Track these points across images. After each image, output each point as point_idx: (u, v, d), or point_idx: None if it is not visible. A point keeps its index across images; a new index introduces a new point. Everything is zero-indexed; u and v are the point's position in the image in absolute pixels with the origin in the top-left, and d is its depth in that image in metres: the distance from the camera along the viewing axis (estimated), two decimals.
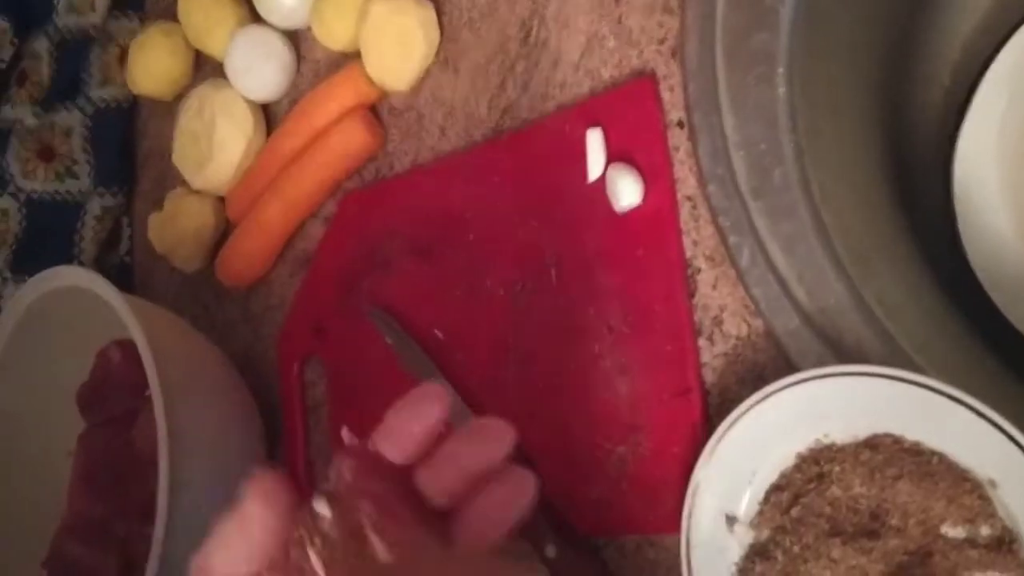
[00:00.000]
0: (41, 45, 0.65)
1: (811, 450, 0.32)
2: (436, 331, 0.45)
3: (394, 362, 0.46)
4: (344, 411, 0.49)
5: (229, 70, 0.53)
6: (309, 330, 0.51)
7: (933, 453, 0.29)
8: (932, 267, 0.40)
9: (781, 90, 0.37)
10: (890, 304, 0.36)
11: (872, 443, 0.30)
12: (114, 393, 0.55)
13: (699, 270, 0.37)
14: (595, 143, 0.39)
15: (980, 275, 0.42)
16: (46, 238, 0.64)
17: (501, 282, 0.43)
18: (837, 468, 0.31)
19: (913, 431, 0.30)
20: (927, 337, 0.35)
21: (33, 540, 0.53)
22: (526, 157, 0.42)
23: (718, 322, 0.36)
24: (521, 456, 0.40)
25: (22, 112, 0.65)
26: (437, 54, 0.47)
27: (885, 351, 0.34)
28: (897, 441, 0.30)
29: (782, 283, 0.36)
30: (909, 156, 0.43)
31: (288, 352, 0.52)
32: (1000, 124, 0.42)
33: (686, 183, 0.38)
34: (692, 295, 0.37)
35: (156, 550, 0.43)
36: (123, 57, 0.62)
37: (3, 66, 0.66)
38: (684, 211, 0.38)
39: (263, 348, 0.54)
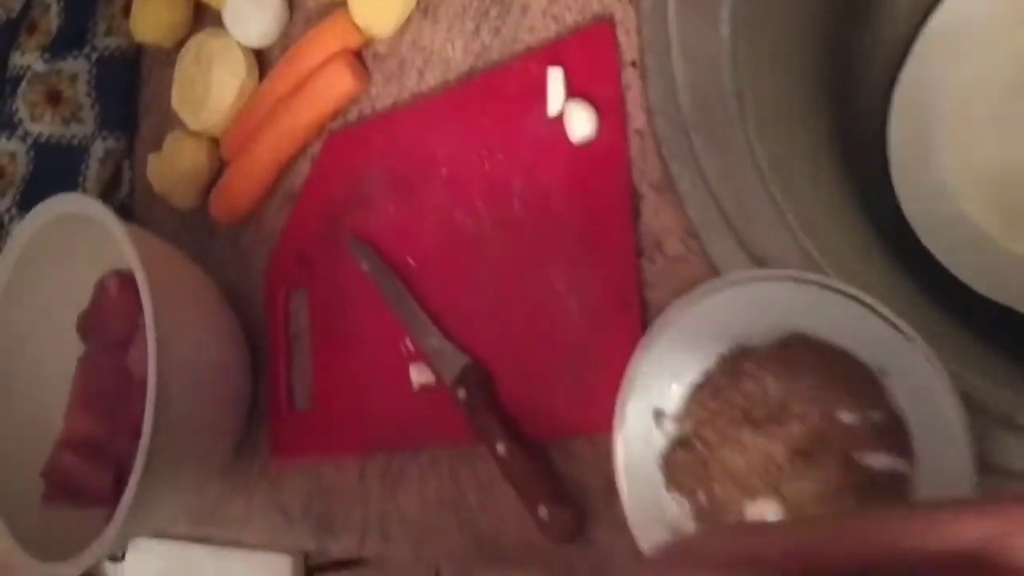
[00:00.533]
0: None
1: (731, 350, 0.35)
2: (409, 259, 0.48)
3: (372, 292, 0.49)
4: (324, 337, 0.52)
5: (226, 18, 0.57)
6: (295, 262, 0.54)
7: (835, 349, 0.33)
8: (865, 205, 0.44)
9: (725, 32, 0.40)
10: (820, 235, 0.39)
11: (784, 342, 0.34)
12: (112, 320, 0.59)
13: (644, 197, 0.40)
14: (555, 81, 0.42)
15: (912, 219, 0.45)
16: (52, 179, 0.67)
17: (470, 212, 0.46)
18: (753, 365, 0.34)
19: (820, 330, 0.33)
20: (855, 268, 0.39)
21: (34, 452, 0.57)
22: (494, 96, 0.46)
23: (659, 244, 0.40)
24: (479, 369, 0.44)
25: (31, 59, 0.68)
26: (418, 2, 0.50)
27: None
28: (806, 340, 0.33)
29: (719, 209, 0.39)
30: (850, 100, 0.46)
31: (275, 282, 0.55)
32: (935, 71, 0.45)
33: (636, 118, 0.41)
34: (637, 219, 0.40)
35: (141, 459, 0.46)
36: (127, 9, 0.65)
37: (14, 15, 0.69)
38: (634, 144, 0.41)
39: (253, 281, 0.57)
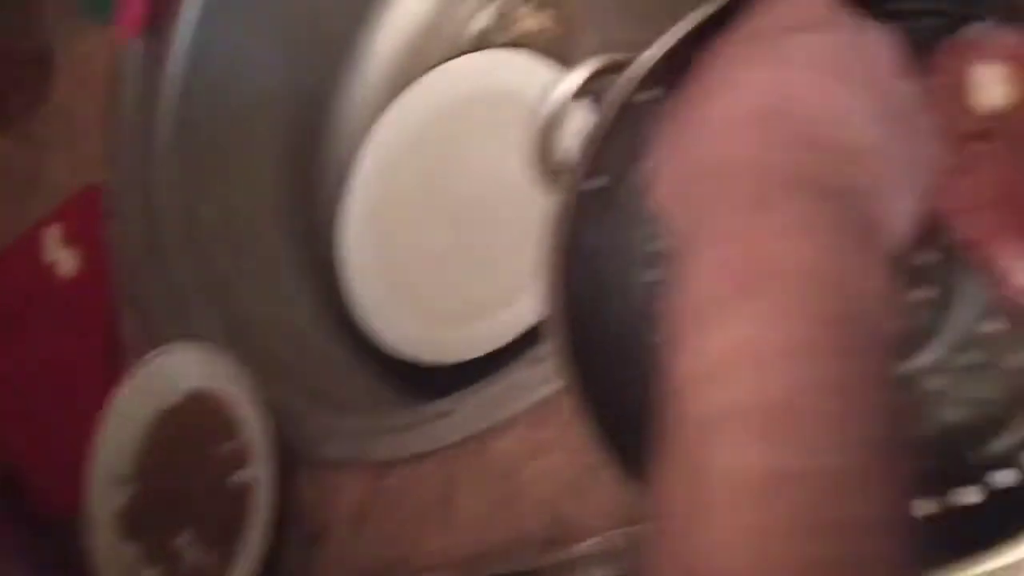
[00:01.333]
0: None
1: (159, 412, 0.46)
2: None
3: None
4: None
5: None
6: None
7: (207, 397, 0.45)
8: (316, 301, 0.57)
9: (173, 188, 0.54)
10: (253, 323, 0.52)
11: (189, 398, 0.45)
12: None
13: (119, 311, 0.52)
14: (52, 237, 0.55)
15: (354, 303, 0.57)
16: None
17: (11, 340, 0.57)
18: (170, 422, 0.45)
19: (203, 384, 0.45)
20: (284, 346, 0.52)
21: None
22: (24, 253, 0.57)
23: (128, 345, 0.51)
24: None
25: None
26: None
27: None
28: (200, 393, 0.45)
29: (166, 316, 0.51)
30: (307, 212, 0.59)
31: None
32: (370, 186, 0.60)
33: (112, 255, 0.53)
34: (114, 328, 0.52)
35: None
36: None
37: None
38: (111, 273, 0.53)
39: None
